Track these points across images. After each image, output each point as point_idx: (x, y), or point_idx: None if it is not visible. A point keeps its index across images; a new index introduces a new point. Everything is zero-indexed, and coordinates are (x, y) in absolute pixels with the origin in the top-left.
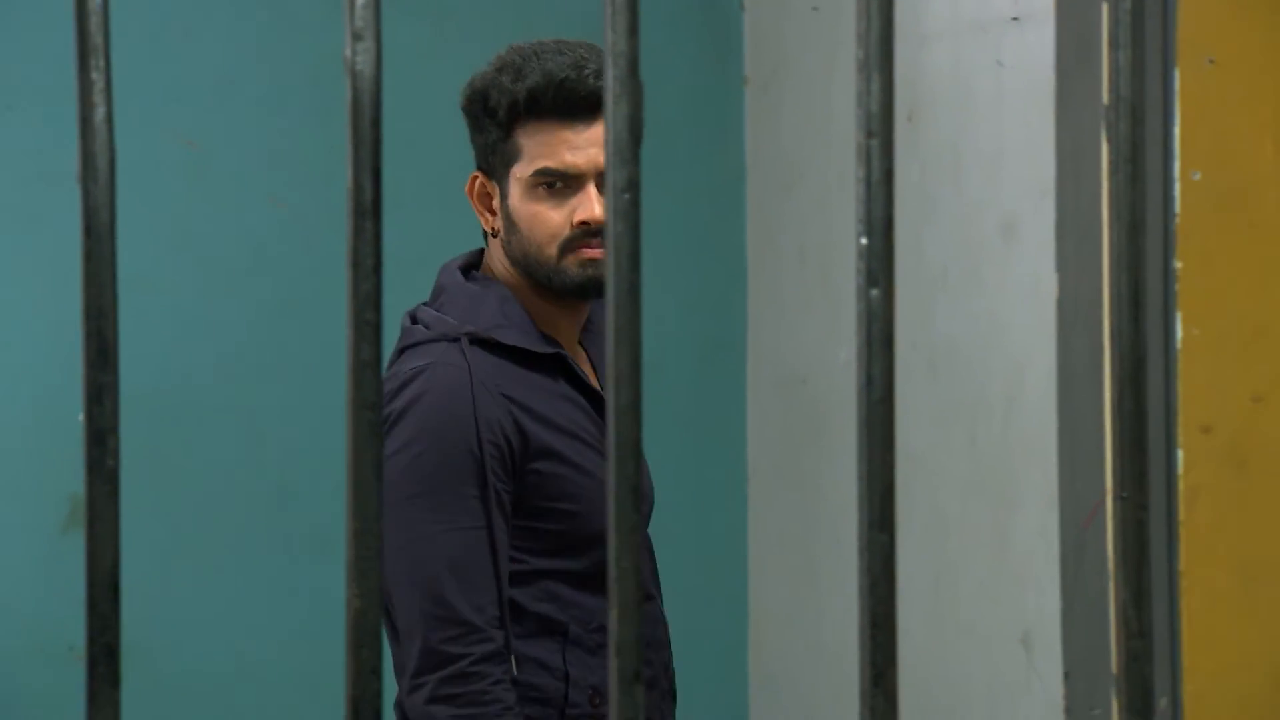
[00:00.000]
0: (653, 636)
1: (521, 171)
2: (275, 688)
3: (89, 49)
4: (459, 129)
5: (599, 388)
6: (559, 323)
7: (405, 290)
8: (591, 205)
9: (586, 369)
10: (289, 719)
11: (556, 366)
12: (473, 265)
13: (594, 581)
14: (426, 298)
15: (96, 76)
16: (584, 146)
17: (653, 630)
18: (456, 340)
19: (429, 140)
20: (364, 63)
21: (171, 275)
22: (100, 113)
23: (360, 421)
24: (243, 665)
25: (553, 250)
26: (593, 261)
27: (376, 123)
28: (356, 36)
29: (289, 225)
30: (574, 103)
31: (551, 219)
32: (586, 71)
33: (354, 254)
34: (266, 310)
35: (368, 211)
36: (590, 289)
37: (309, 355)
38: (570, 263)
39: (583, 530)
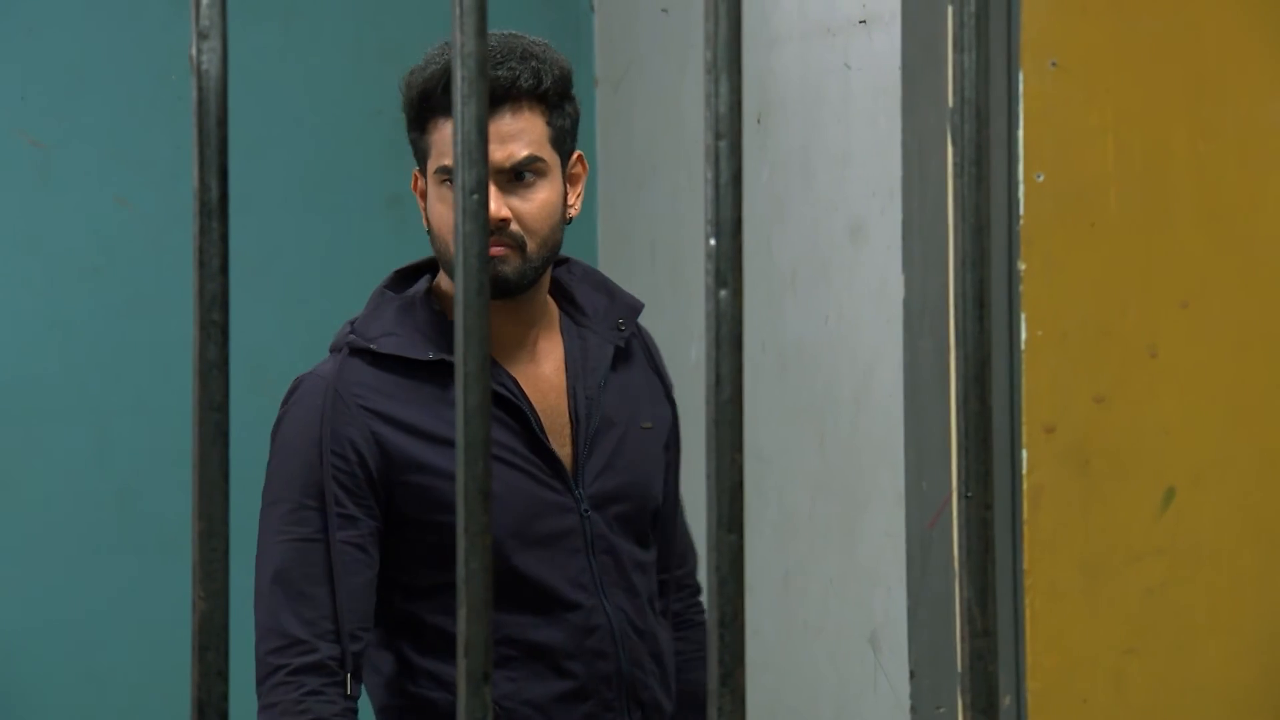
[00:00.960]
0: (579, 646)
1: (431, 168)
2: (122, 690)
3: None
4: (306, 129)
5: (571, 386)
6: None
7: (253, 291)
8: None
9: (533, 370)
10: None
11: (450, 373)
12: (426, 266)
13: (494, 595)
14: (273, 299)
15: None
16: None
17: (578, 640)
18: (341, 351)
19: (277, 140)
20: (210, 62)
21: (16, 274)
22: None
23: (206, 423)
24: (89, 667)
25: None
26: (491, 259)
27: (222, 122)
28: (202, 35)
29: (135, 225)
30: None
31: (452, 217)
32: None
33: (200, 254)
34: (113, 310)
35: (214, 211)
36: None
37: (157, 356)
38: None
39: None
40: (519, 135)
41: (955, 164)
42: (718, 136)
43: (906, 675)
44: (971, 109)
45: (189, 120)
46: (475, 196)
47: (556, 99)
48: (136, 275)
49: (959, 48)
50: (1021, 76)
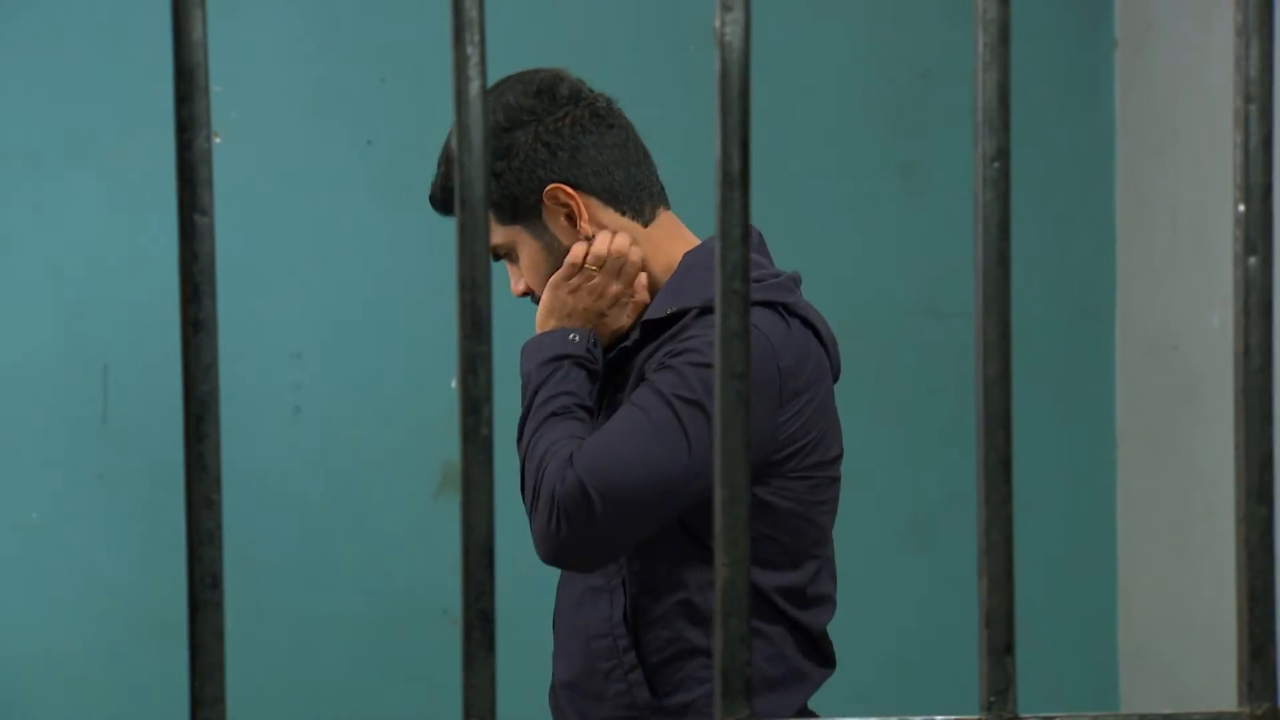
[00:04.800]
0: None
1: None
2: None
3: (464, 23)
4: (820, 97)
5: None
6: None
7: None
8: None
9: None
10: None
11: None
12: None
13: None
14: (794, 270)
15: (471, 51)
16: None
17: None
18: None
19: (792, 110)
20: (733, 33)
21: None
22: (474, 87)
23: (728, 391)
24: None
25: None
26: None
27: (745, 93)
28: (726, 7)
29: None
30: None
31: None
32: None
33: (722, 224)
34: None
35: (735, 182)
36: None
37: None
38: None
39: None
40: None
41: None
42: (1248, 100)
43: None
44: None
45: (708, 92)
46: (996, 165)
47: None
48: None
49: None
50: None
